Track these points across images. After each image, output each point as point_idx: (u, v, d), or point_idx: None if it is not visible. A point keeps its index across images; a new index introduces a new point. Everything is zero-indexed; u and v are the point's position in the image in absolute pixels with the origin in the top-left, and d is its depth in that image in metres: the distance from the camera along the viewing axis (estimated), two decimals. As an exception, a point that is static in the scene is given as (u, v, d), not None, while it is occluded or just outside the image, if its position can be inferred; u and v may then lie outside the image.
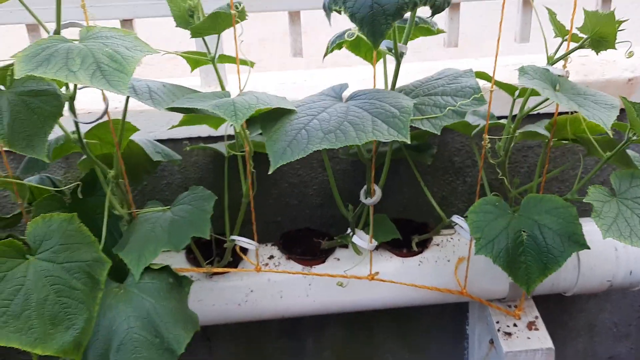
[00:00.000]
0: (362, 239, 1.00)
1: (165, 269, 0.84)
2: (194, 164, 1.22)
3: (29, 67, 0.65)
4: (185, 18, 0.76)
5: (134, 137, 0.96)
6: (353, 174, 1.25)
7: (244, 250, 1.05)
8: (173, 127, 0.98)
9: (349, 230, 1.03)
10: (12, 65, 0.75)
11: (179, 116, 1.02)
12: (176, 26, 0.77)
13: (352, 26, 0.74)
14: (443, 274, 1.09)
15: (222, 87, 0.86)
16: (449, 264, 1.09)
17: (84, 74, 0.65)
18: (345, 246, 1.11)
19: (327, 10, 0.68)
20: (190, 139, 1.19)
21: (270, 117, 0.76)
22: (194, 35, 0.78)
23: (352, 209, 1.01)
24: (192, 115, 0.96)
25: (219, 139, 1.17)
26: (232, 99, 0.73)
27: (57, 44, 0.68)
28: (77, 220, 0.76)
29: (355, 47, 0.97)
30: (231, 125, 1.00)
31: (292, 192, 1.26)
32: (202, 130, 1.17)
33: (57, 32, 0.73)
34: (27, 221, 0.92)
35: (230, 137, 1.12)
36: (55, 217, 0.74)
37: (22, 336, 0.68)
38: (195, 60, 0.90)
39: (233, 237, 0.97)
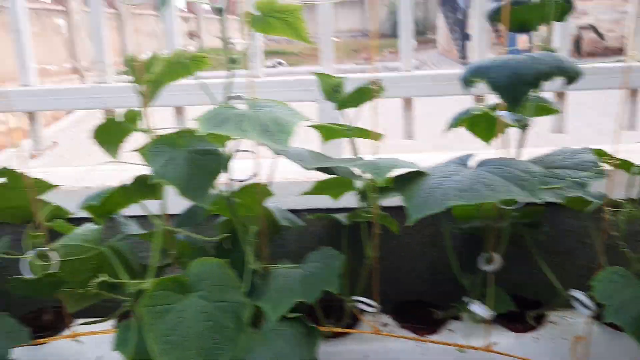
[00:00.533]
0: (479, 308, 1.02)
1: (299, 319, 0.90)
2: (311, 233, 1.30)
3: (209, 126, 0.77)
4: (331, 93, 0.88)
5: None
6: (462, 251, 1.29)
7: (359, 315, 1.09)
8: (305, 193, 1.07)
9: (465, 299, 1.06)
10: (185, 130, 0.89)
11: (304, 188, 1.13)
12: (325, 99, 0.89)
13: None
14: (559, 353, 1.07)
15: (356, 154, 0.95)
16: (566, 343, 1.08)
17: (254, 133, 0.76)
18: (458, 318, 1.13)
19: (466, 82, 0.77)
20: (308, 210, 1.28)
21: (405, 179, 0.84)
22: (339, 108, 0.89)
23: (469, 277, 1.05)
24: (322, 183, 1.05)
25: (336, 210, 1.26)
26: (373, 160, 0.82)
27: (228, 111, 0.81)
28: (227, 265, 0.85)
29: (473, 125, 1.05)
30: (356, 193, 1.09)
31: (402, 266, 1.30)
32: (320, 202, 1.26)
33: (226, 102, 0.87)
34: (173, 271, 1.02)
35: (348, 209, 1.21)
36: (210, 260, 0.83)
37: (180, 364, 0.75)
38: (330, 132, 1.00)
39: (354, 297, 1.02)
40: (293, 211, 1.27)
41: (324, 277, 0.93)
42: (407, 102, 1.34)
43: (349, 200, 1.19)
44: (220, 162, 0.86)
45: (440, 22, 16.27)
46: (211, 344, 0.78)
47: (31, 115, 1.34)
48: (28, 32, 1.32)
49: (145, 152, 0.82)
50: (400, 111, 1.35)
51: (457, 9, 14.06)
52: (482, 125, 1.03)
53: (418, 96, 1.32)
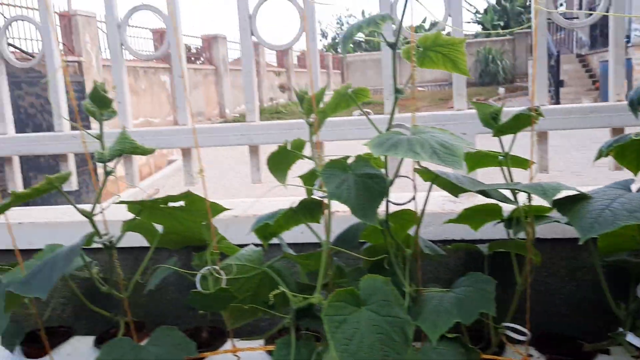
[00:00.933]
0: (638, 340, 1.00)
1: (457, 339, 0.92)
2: (445, 265, 1.32)
3: (381, 150, 0.84)
4: (489, 120, 0.92)
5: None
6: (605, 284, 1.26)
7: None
8: (450, 221, 1.11)
9: (621, 329, 1.04)
10: (348, 156, 0.96)
11: (442, 219, 1.17)
12: (484, 126, 0.94)
13: None
14: None
15: (512, 180, 0.98)
16: None
17: (425, 154, 0.82)
18: (606, 352, 1.10)
19: (635, 106, 0.79)
20: (442, 241, 1.31)
21: (568, 201, 0.86)
22: (496, 134, 0.93)
23: (624, 307, 1.03)
24: (468, 210, 1.09)
25: (470, 242, 1.28)
26: (538, 183, 0.85)
27: (396, 136, 0.87)
28: (391, 283, 0.89)
29: (622, 153, 1.05)
30: (496, 223, 1.11)
31: (540, 299, 1.29)
32: (456, 233, 1.29)
33: (388, 129, 0.93)
34: (329, 291, 1.08)
35: (483, 240, 1.23)
36: (377, 277, 0.89)
37: (356, 372, 0.80)
38: (479, 160, 1.04)
39: (506, 324, 1.03)
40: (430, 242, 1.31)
41: (479, 300, 0.95)
42: (541, 136, 1.35)
43: (486, 231, 1.21)
44: (384, 186, 0.92)
45: (531, 69, 15.96)
46: (382, 355, 0.82)
47: (186, 151, 1.48)
48: (187, 76, 1.47)
49: (320, 175, 0.89)
50: (534, 145, 1.37)
51: (550, 55, 13.79)
52: (633, 153, 1.03)
53: (551, 129, 1.33)
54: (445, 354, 0.91)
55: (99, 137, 0.99)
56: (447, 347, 0.92)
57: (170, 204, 1.07)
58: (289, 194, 1.18)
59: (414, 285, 1.03)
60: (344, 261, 1.15)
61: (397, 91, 0.90)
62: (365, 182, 0.91)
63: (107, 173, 1.00)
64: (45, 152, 1.51)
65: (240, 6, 1.41)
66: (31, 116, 7.71)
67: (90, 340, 1.26)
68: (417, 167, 0.97)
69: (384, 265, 1.06)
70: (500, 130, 0.92)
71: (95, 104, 0.97)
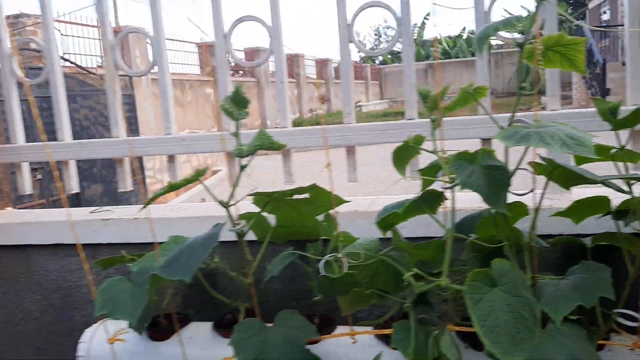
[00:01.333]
0: None
1: (579, 320, 0.98)
2: (543, 258, 1.37)
3: (512, 141, 0.90)
4: (607, 115, 0.98)
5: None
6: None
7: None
8: (557, 214, 1.16)
9: None
10: (471, 151, 1.03)
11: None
12: (602, 120, 1.00)
13: None
14: None
15: (627, 172, 1.04)
16: None
17: (556, 145, 0.88)
18: None
19: None
20: (540, 236, 1.36)
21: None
22: (615, 128, 0.99)
23: None
24: (578, 202, 1.14)
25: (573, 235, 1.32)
26: (662, 171, 0.90)
27: (524, 129, 0.94)
28: (514, 268, 0.96)
29: None
30: (601, 216, 1.16)
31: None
32: (554, 227, 1.34)
33: (510, 125, 1.00)
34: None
35: (580, 235, 1.27)
36: (505, 261, 0.95)
37: (495, 346, 0.86)
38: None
39: (618, 310, 1.07)
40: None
41: (596, 286, 1.00)
42: (637, 135, 1.39)
43: (584, 225, 1.26)
44: (508, 177, 0.98)
45: (576, 78, 15.71)
46: (515, 332, 0.88)
47: (286, 152, 1.57)
48: (286, 82, 1.57)
49: (451, 166, 0.97)
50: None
51: (596, 63, 13.57)
52: None
53: (646, 129, 1.37)
54: (568, 335, 0.96)
55: (236, 135, 1.09)
56: (570, 328, 0.97)
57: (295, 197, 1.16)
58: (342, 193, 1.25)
59: (529, 272, 1.09)
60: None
61: (522, 88, 0.97)
62: (491, 173, 0.97)
63: (242, 167, 1.10)
64: (157, 153, 1.63)
65: (340, 15, 1.50)
66: (85, 128, 8.06)
67: (207, 325, 1.35)
68: (539, 159, 1.03)
69: (497, 255, 1.12)
70: (619, 124, 0.98)
71: (235, 105, 1.07)
